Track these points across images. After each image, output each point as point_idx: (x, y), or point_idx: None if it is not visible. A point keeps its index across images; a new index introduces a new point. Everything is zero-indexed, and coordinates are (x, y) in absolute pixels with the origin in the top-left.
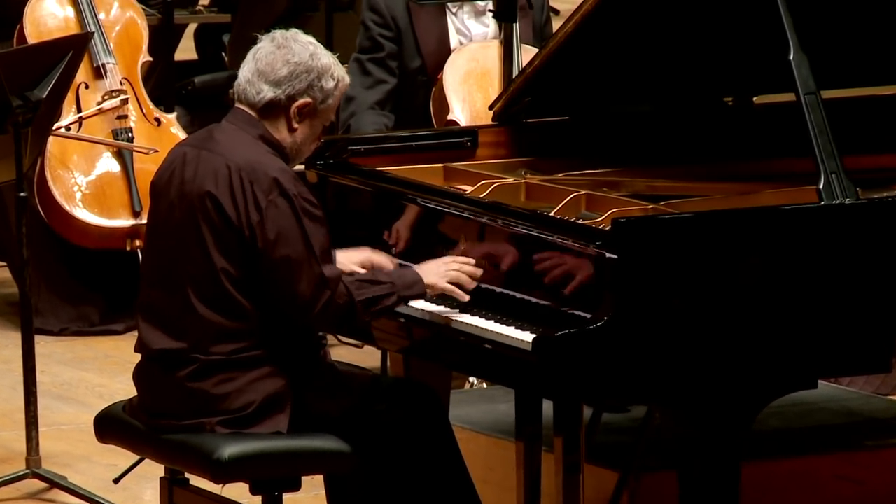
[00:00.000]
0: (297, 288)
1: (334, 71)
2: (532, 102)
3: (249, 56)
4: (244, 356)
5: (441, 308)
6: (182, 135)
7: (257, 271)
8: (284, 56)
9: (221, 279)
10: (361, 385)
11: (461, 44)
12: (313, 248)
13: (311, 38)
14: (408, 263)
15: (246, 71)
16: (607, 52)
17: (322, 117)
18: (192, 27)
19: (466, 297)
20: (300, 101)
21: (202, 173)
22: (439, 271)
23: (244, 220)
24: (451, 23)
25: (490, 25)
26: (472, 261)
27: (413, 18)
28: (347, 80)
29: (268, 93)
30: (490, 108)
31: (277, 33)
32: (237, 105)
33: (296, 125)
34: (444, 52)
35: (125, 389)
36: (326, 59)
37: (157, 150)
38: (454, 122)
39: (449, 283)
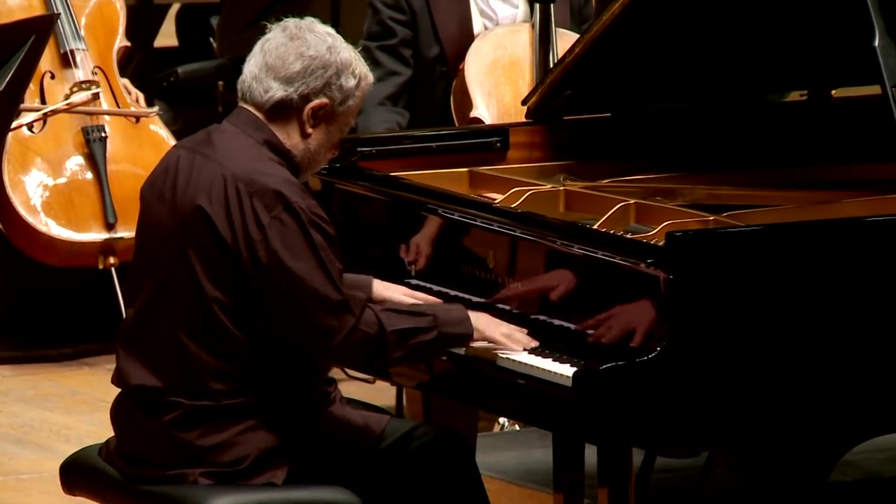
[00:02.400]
0: (312, 315)
1: (356, 67)
2: (573, 96)
3: (257, 48)
4: (236, 402)
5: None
6: (163, 132)
7: (257, 301)
8: (298, 49)
9: (213, 310)
10: (374, 428)
11: (486, 28)
12: (328, 268)
13: (329, 29)
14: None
15: (252, 65)
16: (662, 37)
17: (340, 121)
18: (174, 8)
19: (519, 349)
20: (315, 102)
21: (195, 183)
22: (491, 321)
23: (242, 241)
24: (475, 4)
25: (519, 7)
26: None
27: None
28: (371, 78)
29: (277, 91)
30: (523, 102)
31: (290, 22)
32: (241, 104)
33: (309, 130)
34: (467, 37)
35: (96, 432)
36: (347, 52)
37: (158, 112)
38: (478, 120)
39: (502, 335)
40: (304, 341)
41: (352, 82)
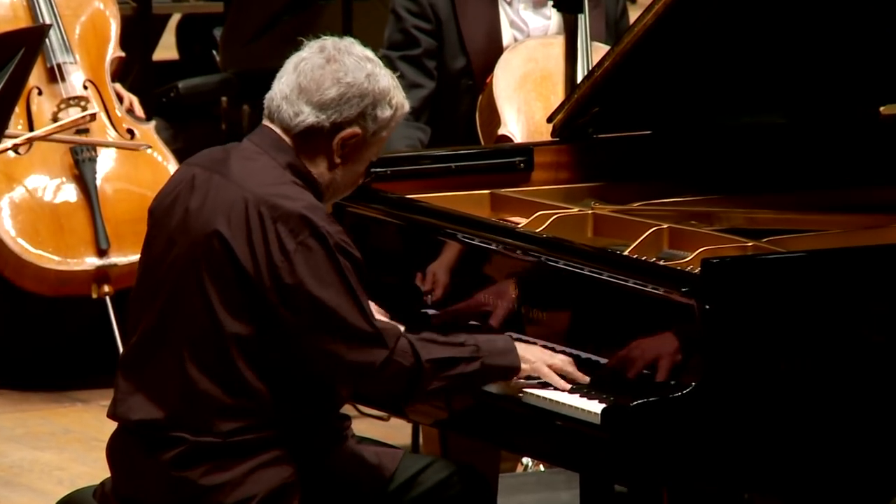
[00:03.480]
0: (343, 347)
1: (393, 96)
2: (602, 113)
3: (290, 66)
4: (244, 439)
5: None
6: (160, 151)
7: (279, 334)
8: (335, 73)
9: (229, 344)
10: (387, 464)
11: (516, 40)
12: (358, 297)
13: (368, 53)
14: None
15: (284, 84)
16: (696, 50)
17: (370, 152)
18: (175, 18)
19: (568, 386)
20: (347, 132)
21: (212, 205)
22: (542, 354)
23: (265, 268)
24: (504, 14)
25: (552, 18)
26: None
27: (457, 8)
28: (407, 107)
29: (309, 116)
30: (549, 120)
31: (328, 42)
32: (265, 123)
33: (338, 160)
34: (495, 49)
35: (90, 473)
36: (386, 80)
37: (149, 147)
38: (506, 138)
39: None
40: (335, 375)
41: (388, 113)
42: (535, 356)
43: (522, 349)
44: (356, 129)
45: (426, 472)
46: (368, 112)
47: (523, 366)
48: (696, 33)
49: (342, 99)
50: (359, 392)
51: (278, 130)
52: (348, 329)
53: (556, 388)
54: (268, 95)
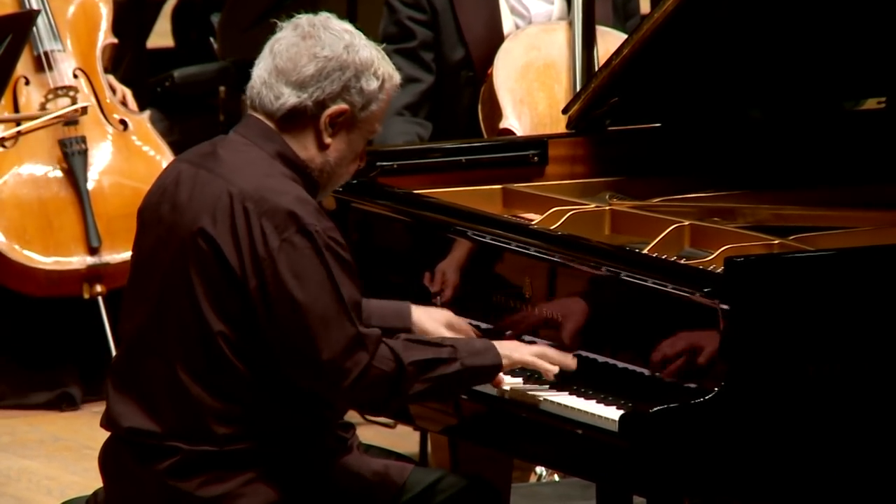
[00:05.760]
0: (322, 350)
1: (378, 67)
2: (620, 104)
3: (266, 49)
4: (241, 447)
5: (500, 376)
6: (153, 142)
7: (266, 335)
8: (311, 49)
9: (218, 345)
10: (395, 478)
11: (517, 27)
12: (342, 299)
13: (347, 25)
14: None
15: (261, 69)
16: (721, 37)
17: (363, 129)
18: (170, 4)
19: (555, 370)
20: (333, 109)
21: (197, 202)
22: (520, 345)
23: (249, 267)
24: (505, 1)
25: (555, 2)
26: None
27: None
28: (397, 78)
29: (290, 97)
30: (564, 111)
31: (303, 19)
32: (250, 113)
33: (328, 140)
34: (496, 38)
35: (81, 483)
36: (367, 51)
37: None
38: (507, 132)
39: (534, 355)
40: (312, 381)
41: (374, 84)
42: (512, 347)
43: (499, 344)
44: (343, 106)
45: (436, 486)
46: (352, 85)
47: (505, 361)
48: (722, 17)
49: (321, 74)
50: (337, 400)
51: (263, 118)
52: (328, 333)
53: (548, 383)
54: (248, 84)
